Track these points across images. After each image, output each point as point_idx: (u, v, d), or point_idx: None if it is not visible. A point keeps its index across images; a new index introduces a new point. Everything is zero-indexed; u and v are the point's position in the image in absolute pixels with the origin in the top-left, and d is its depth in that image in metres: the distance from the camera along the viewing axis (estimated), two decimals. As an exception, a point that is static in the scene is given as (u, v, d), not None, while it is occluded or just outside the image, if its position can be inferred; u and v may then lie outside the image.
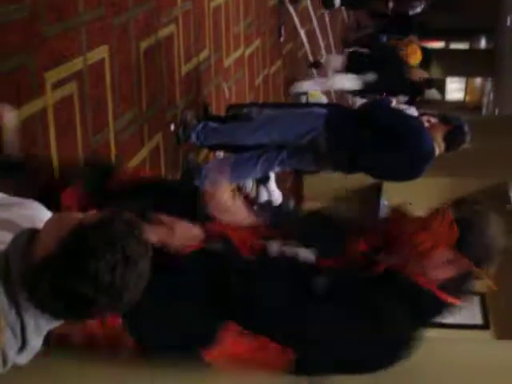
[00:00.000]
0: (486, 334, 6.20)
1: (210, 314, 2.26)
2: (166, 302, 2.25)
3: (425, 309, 2.35)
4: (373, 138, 4.46)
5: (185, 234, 2.37)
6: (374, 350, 2.29)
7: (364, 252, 2.39)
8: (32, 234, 1.52)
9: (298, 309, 2.28)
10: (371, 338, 2.27)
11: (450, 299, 2.32)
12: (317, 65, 9.11)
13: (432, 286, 2.29)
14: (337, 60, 8.06)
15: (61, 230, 1.46)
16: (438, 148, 4.40)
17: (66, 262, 1.43)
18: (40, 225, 1.58)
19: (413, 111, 6.16)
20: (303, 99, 8.15)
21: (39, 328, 1.55)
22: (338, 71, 7.82)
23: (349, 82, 7.70)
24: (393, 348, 2.32)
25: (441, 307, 2.35)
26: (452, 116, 4.54)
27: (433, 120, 4.39)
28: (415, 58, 9.86)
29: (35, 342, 1.57)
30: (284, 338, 2.26)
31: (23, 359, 1.57)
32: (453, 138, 4.40)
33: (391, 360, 2.31)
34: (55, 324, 1.60)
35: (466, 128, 4.41)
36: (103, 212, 1.50)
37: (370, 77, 7.49)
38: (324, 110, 4.77)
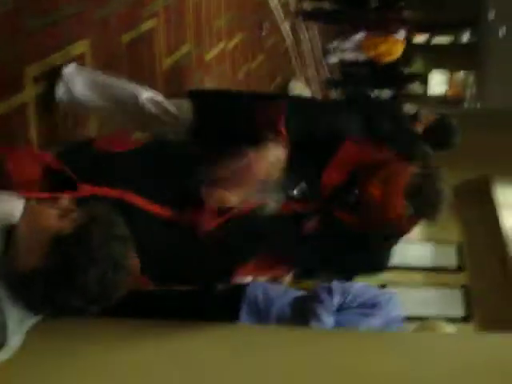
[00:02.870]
0: (467, 327, 6.23)
1: None
2: None
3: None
4: None
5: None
6: None
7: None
8: (7, 232, 1.52)
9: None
10: None
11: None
12: None
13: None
14: None
15: (39, 240, 1.48)
16: None
17: (54, 278, 1.47)
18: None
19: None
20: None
21: (21, 326, 1.55)
22: None
23: None
24: None
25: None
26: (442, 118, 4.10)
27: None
28: (396, 50, 9.75)
29: (16, 340, 1.57)
30: None
31: (2, 356, 1.56)
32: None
33: None
34: (37, 319, 1.61)
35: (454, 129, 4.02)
36: (79, 213, 1.50)
37: None
38: None
